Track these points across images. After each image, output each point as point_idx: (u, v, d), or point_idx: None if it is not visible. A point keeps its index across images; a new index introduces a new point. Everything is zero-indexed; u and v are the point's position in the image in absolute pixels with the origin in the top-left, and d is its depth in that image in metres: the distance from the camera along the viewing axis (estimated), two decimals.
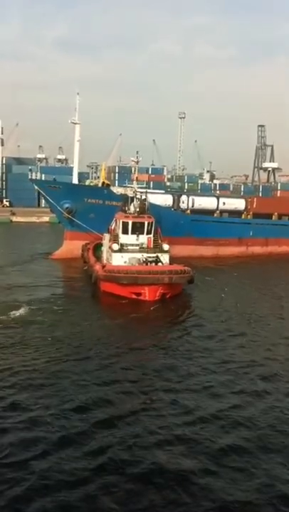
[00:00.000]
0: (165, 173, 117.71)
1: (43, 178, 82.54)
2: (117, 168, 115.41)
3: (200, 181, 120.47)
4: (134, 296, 33.82)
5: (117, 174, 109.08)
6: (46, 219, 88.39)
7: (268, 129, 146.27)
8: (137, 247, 37.76)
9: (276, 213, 62.83)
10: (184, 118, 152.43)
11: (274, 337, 27.69)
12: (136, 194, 41.68)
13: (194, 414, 17.56)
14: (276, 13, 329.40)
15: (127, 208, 40.54)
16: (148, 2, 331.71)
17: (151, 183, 76.04)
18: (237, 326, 29.45)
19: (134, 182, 43.10)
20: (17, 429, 15.99)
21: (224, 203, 59.48)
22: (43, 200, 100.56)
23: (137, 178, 44.00)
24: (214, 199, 59.85)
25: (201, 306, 33.91)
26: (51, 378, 20.02)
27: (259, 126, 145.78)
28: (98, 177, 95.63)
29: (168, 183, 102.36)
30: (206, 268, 47.74)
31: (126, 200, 42.76)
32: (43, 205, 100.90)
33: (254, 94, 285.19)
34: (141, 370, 21.62)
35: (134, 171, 46.40)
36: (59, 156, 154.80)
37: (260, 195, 66.44)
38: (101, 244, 44.04)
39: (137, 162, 45.00)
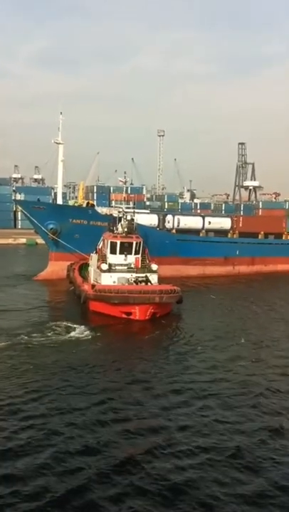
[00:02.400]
0: (144, 192, 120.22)
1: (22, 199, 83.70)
2: (95, 187, 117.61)
3: (180, 200, 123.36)
4: (124, 316, 35.16)
5: (95, 194, 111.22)
6: (23, 240, 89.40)
7: (249, 146, 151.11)
8: (126, 267, 39.25)
9: (262, 232, 65.43)
10: (163, 136, 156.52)
11: (261, 353, 29.28)
12: (124, 214, 43.53)
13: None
14: (257, 31, 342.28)
15: (115, 228, 42.28)
16: (129, 17, 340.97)
17: (130, 202, 78.08)
18: (226, 345, 30.69)
19: (123, 202, 44.98)
20: None
21: (210, 223, 61.69)
22: (20, 222, 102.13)
23: (126, 198, 45.95)
24: (200, 218, 62.08)
25: (190, 326, 35.16)
26: (31, 403, 20.51)
27: (240, 143, 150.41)
28: (76, 197, 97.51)
29: (148, 203, 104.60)
30: (193, 288, 49.59)
31: (111, 220, 44.66)
32: (19, 226, 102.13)
33: (235, 110, 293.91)
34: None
35: (127, 190, 48.28)
36: (35, 176, 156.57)
37: (242, 213, 68.87)
38: (87, 265, 45.53)
39: (125, 182, 46.93)
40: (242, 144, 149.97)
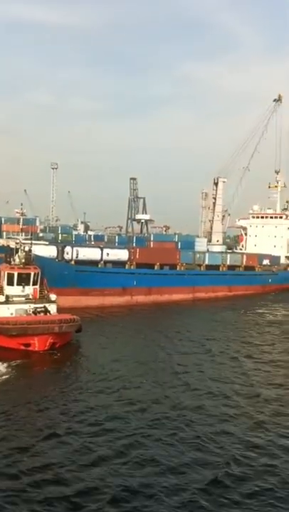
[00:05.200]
0: (38, 223, 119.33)
1: None
2: None
3: (74, 232, 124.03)
4: (22, 348, 35.06)
5: None
6: None
7: (140, 181, 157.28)
8: (23, 298, 39.24)
9: (158, 263, 68.37)
10: (56, 168, 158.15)
11: (155, 381, 30.81)
12: (21, 245, 43.48)
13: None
14: (146, 73, 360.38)
15: (12, 259, 42.06)
16: (22, 52, 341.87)
17: (23, 234, 77.27)
18: (126, 374, 31.81)
19: (20, 233, 44.96)
20: None
21: (108, 254, 63.37)
22: None
23: (22, 229, 45.91)
24: (98, 250, 63.50)
25: (89, 355, 36.18)
26: None
27: (131, 179, 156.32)
28: None
29: (41, 234, 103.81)
30: (92, 317, 50.43)
31: (8, 251, 44.35)
32: None
33: (127, 147, 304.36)
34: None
35: (19, 222, 48.27)
36: None
37: (134, 245, 71.52)
38: None
39: (22, 214, 47.05)
40: (133, 179, 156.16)
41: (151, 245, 76.26)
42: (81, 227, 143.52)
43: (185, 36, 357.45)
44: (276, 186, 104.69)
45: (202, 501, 16.88)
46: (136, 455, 19.95)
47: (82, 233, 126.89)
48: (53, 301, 39.67)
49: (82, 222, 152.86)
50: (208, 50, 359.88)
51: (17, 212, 47.26)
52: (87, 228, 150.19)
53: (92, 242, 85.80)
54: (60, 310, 40.29)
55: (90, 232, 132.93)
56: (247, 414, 25.13)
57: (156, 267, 68.37)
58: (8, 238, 55.17)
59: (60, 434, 21.76)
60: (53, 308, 39.12)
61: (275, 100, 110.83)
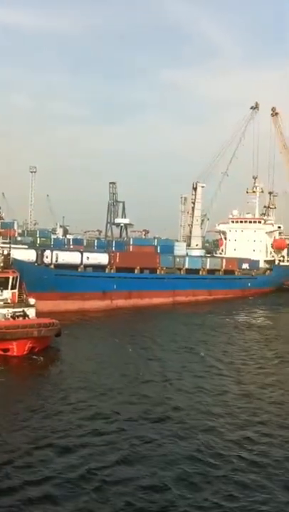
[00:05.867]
0: (16, 227, 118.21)
1: None
2: None
3: (53, 236, 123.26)
4: (1, 353, 34.46)
5: None
6: None
7: (120, 185, 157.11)
8: (2, 303, 38.60)
9: (138, 267, 68.24)
10: (35, 172, 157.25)
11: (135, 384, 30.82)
12: None
13: None
14: (127, 79, 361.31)
15: None
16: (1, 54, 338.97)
17: (1, 237, 76.35)
18: (102, 377, 31.70)
19: None
20: None
21: (88, 258, 63.00)
22: None
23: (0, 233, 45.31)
24: (78, 254, 63.07)
25: (67, 360, 35.78)
26: None
27: (111, 183, 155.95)
28: None
29: (19, 238, 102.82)
30: (72, 321, 49.86)
31: None
32: None
33: (107, 151, 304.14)
34: None
35: None
36: None
37: (114, 249, 71.45)
38: None
39: (1, 217, 46.38)
40: (113, 183, 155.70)
41: (131, 249, 76.23)
42: (60, 231, 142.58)
43: (165, 43, 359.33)
44: (254, 191, 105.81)
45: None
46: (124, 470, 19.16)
47: (61, 237, 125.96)
48: (32, 306, 39.13)
49: (61, 226, 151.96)
50: (189, 58, 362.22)
51: None
52: (66, 232, 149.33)
53: (71, 246, 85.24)
54: (39, 314, 39.82)
55: (69, 236, 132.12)
56: (222, 409, 25.15)
57: (136, 271, 68.24)
58: None
59: (41, 446, 20.85)
60: (31, 312, 38.57)
61: (252, 108, 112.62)
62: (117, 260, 65.65)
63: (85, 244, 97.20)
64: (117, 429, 22.88)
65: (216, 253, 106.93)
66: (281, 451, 21.16)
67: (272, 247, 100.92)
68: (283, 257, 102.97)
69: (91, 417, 24.25)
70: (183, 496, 17.22)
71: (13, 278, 39.52)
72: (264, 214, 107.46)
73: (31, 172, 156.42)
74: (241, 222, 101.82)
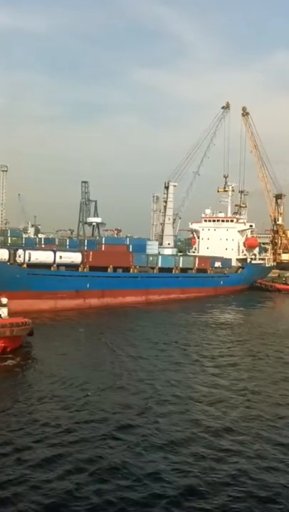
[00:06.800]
0: None
1: None
2: None
3: (24, 235, 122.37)
4: None
5: None
6: None
7: (92, 184, 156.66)
8: None
9: (111, 266, 68.24)
10: (6, 171, 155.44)
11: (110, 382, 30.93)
12: None
13: None
14: (101, 79, 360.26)
15: None
16: None
17: None
18: (74, 376, 31.54)
19: None
20: None
21: (61, 257, 62.64)
22: None
23: None
24: (51, 253, 62.64)
25: (40, 359, 35.49)
26: None
27: (83, 182, 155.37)
28: None
29: None
30: (45, 321, 49.65)
31: None
32: None
33: (81, 151, 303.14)
34: None
35: None
36: None
37: (86, 248, 71.20)
38: None
39: None
40: (85, 182, 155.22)
41: (103, 248, 76.19)
42: (31, 231, 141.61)
43: (139, 44, 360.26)
44: (225, 190, 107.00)
45: None
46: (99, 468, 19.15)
47: (32, 236, 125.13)
48: (4, 305, 38.69)
49: (32, 226, 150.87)
50: (162, 59, 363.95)
51: None
52: (37, 231, 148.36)
53: (43, 246, 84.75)
54: (11, 314, 39.43)
55: (40, 236, 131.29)
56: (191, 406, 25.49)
57: (109, 270, 68.21)
58: None
59: (17, 448, 20.60)
60: (4, 311, 38.12)
61: (223, 107, 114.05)
62: (90, 259, 65.50)
63: (56, 243, 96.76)
64: (92, 428, 22.97)
65: (189, 252, 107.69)
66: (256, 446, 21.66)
67: (244, 245, 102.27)
68: (255, 255, 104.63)
69: (67, 417, 24.22)
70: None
71: None
72: (236, 213, 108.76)
73: (2, 171, 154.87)
74: (214, 221, 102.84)
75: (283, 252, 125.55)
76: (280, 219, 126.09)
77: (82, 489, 17.38)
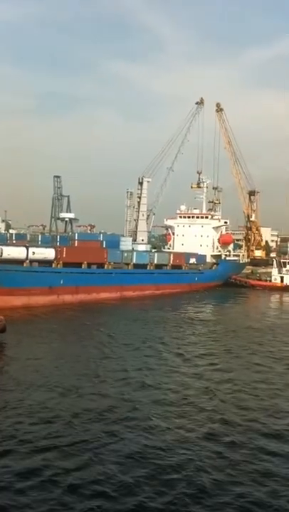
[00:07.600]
0: None
1: None
2: None
3: None
4: None
5: None
6: None
7: (65, 179, 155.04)
8: None
9: (85, 262, 67.40)
10: None
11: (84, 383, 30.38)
12: None
13: None
14: (74, 72, 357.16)
15: None
16: None
17: None
18: (47, 374, 30.81)
19: None
20: None
21: (34, 253, 61.45)
22: None
23: None
24: (23, 249, 61.35)
25: (13, 356, 34.62)
26: None
27: (55, 176, 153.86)
28: None
29: None
30: (17, 318, 48.57)
31: None
32: None
33: (53, 145, 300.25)
34: None
35: None
36: None
37: (58, 244, 70.31)
38: None
39: None
40: (57, 177, 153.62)
41: (76, 244, 75.31)
42: (2, 226, 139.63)
43: (114, 37, 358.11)
44: (199, 187, 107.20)
45: None
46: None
47: (3, 232, 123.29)
48: None
49: (3, 221, 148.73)
50: (137, 52, 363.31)
51: None
52: (8, 227, 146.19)
53: (14, 241, 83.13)
54: None
55: (11, 231, 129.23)
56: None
57: (83, 266, 67.39)
58: None
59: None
60: None
61: (197, 103, 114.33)
62: (64, 255, 64.51)
63: (28, 238, 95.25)
64: (65, 424, 22.33)
65: (164, 248, 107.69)
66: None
67: (218, 242, 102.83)
68: (229, 251, 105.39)
69: (41, 416, 23.46)
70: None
71: None
72: (211, 209, 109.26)
73: None
74: (189, 217, 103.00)
75: (256, 249, 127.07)
76: (254, 216, 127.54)
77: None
